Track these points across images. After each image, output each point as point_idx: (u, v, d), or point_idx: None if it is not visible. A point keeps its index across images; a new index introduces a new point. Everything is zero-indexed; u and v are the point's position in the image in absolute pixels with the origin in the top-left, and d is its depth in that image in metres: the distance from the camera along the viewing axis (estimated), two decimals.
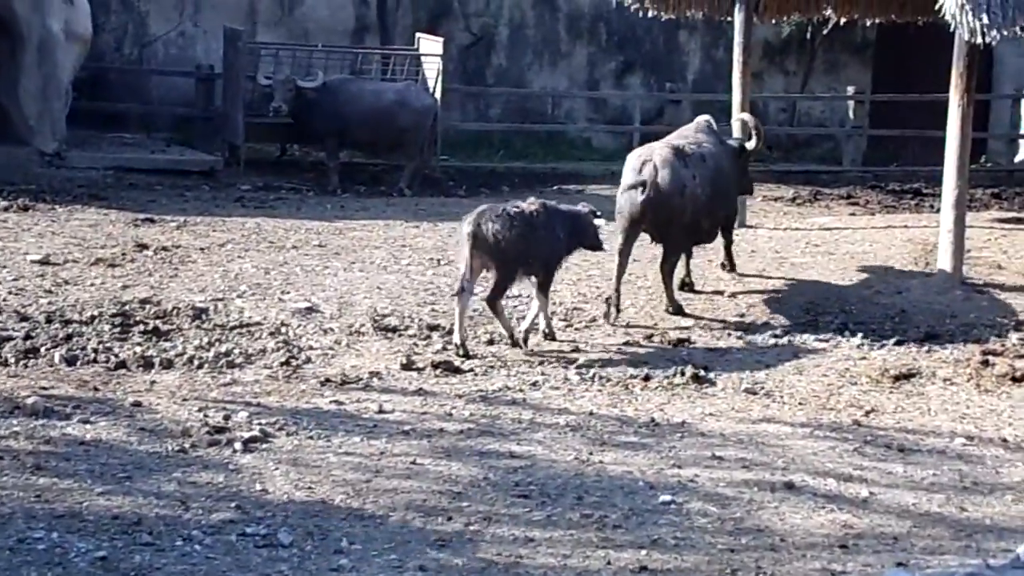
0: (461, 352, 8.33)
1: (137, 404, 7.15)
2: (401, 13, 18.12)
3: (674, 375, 8.08)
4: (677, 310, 9.63)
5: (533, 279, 8.58)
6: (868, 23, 15.32)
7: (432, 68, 16.00)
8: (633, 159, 9.94)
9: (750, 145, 10.85)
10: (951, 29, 9.80)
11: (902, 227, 13.43)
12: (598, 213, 9.00)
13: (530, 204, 8.63)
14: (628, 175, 9.84)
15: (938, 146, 11.17)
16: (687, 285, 10.28)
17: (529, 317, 8.74)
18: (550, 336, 8.75)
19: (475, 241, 8.31)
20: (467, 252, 8.37)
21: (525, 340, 8.61)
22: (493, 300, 8.45)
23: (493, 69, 19.10)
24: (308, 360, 8.15)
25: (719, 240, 10.80)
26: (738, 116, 11.39)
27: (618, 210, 9.76)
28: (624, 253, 9.65)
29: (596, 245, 8.96)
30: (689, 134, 10.45)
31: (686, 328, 9.25)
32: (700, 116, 10.99)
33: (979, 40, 9.60)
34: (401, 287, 10.10)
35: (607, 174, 16.73)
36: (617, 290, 9.48)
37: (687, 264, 10.39)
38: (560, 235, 8.59)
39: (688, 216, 9.75)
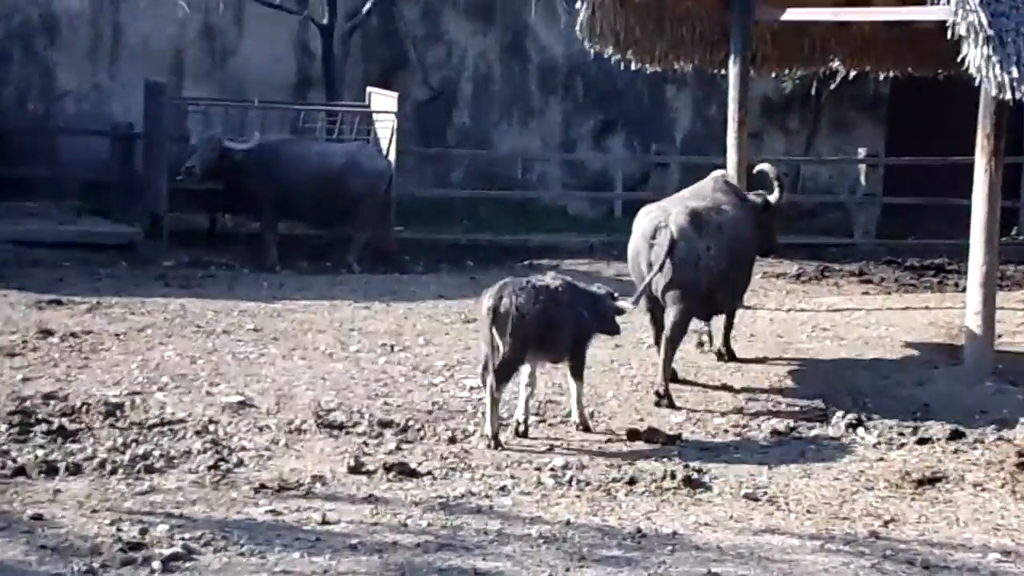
0: (493, 445, 8.55)
1: (38, 517, 7.04)
2: (350, 65, 18.28)
3: (663, 478, 8.06)
4: (665, 397, 9.76)
5: (547, 363, 9.07)
6: (881, 77, 15.60)
7: (385, 127, 16.11)
8: (645, 223, 10.24)
9: (772, 199, 11.07)
10: (976, 83, 9.97)
11: (923, 308, 13.53)
12: (616, 295, 9.29)
13: (554, 280, 8.96)
14: (638, 242, 10.23)
15: (962, 216, 11.31)
16: (723, 355, 10.92)
17: (574, 409, 9.07)
18: (583, 426, 9.02)
19: (495, 316, 8.55)
20: (488, 330, 8.59)
21: (587, 424, 9.02)
22: (500, 381, 8.59)
23: (455, 128, 19.28)
24: (240, 463, 8.08)
25: (714, 324, 10.85)
26: (758, 168, 11.68)
27: (635, 279, 10.36)
28: (657, 323, 10.27)
29: (613, 330, 9.31)
30: (706, 193, 10.73)
31: (677, 424, 9.25)
32: (716, 171, 11.32)
33: (1008, 96, 9.76)
34: (349, 377, 10.07)
35: (585, 247, 16.87)
36: (666, 366, 9.97)
37: (727, 332, 11.00)
38: (584, 315, 8.94)
39: (702, 289, 10.07)
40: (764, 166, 11.60)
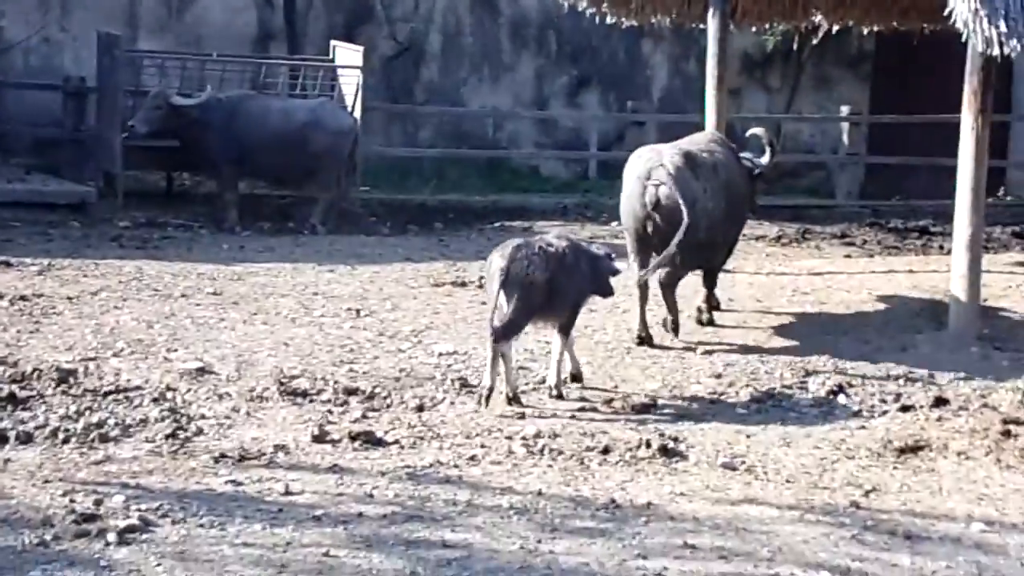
0: (484, 402, 8.70)
1: None
2: (313, 17, 18.18)
3: (638, 447, 8.09)
4: (675, 328, 10.43)
5: (551, 324, 9.15)
6: (865, 31, 15.62)
7: (350, 83, 16.04)
8: (638, 165, 10.45)
9: (763, 161, 11.36)
10: (963, 39, 9.98)
11: (906, 272, 13.59)
12: (613, 256, 9.40)
13: (561, 240, 9.13)
14: (632, 184, 10.41)
15: (948, 176, 11.34)
16: (703, 313, 11.07)
17: (554, 368, 9.15)
18: (557, 392, 9.09)
19: (507, 277, 8.73)
20: (497, 288, 8.77)
21: (560, 391, 9.08)
22: (501, 339, 8.76)
23: (423, 84, 19.20)
24: (199, 432, 8.07)
25: (688, 287, 10.87)
26: (751, 132, 11.93)
27: (624, 226, 10.63)
28: (643, 287, 10.43)
29: (609, 292, 9.49)
30: (700, 141, 11.13)
31: (652, 391, 9.27)
32: (706, 131, 11.72)
33: (996, 51, 9.77)
34: (313, 343, 10.06)
35: (558, 208, 16.87)
36: (643, 324, 10.36)
37: (709, 292, 11.20)
38: (587, 275, 9.17)
39: (701, 233, 10.25)
40: (757, 130, 11.81)
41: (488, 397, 8.75)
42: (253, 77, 16.31)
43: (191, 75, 15.69)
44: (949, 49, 11.50)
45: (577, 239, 9.49)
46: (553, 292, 8.89)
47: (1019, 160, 19.25)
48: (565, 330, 9.15)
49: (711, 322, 11.08)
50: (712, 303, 11.27)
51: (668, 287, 10.44)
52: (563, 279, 8.93)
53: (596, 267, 9.24)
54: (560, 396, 9.08)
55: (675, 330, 10.48)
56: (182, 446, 7.82)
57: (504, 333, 8.78)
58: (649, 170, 10.27)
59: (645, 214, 10.28)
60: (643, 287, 10.40)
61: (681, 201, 10.05)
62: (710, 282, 11.23)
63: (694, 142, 11.05)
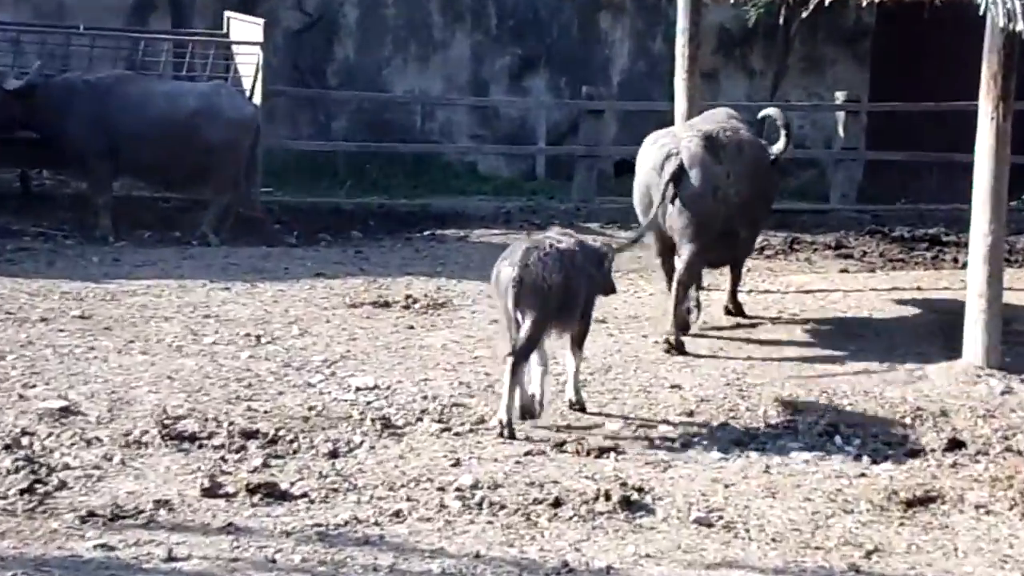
0: (507, 433, 9.02)
1: None
2: None
3: (595, 499, 8.09)
4: (679, 346, 10.92)
5: (564, 333, 9.54)
6: (864, 3, 15.74)
7: (248, 62, 15.99)
8: (653, 152, 11.20)
9: (778, 147, 11.83)
10: (980, 12, 10.07)
11: (914, 289, 13.68)
12: (611, 251, 9.95)
13: (567, 237, 9.59)
14: (647, 175, 11.17)
15: (963, 175, 11.44)
16: (732, 313, 11.98)
17: (570, 381, 9.63)
18: (580, 405, 9.58)
19: (522, 287, 9.10)
20: (512, 302, 9.14)
21: (582, 404, 9.59)
22: (520, 360, 9.15)
23: (337, 65, 19.20)
24: (62, 485, 7.99)
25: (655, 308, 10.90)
26: (764, 112, 12.58)
27: (641, 217, 11.32)
28: (670, 265, 11.26)
29: (612, 288, 9.90)
30: (720, 119, 11.74)
31: (612, 432, 9.27)
32: (719, 108, 12.40)
33: (1020, 27, 9.87)
34: (203, 376, 10.01)
35: (500, 214, 16.89)
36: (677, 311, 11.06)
37: (734, 287, 12.09)
38: (595, 274, 9.61)
39: (720, 223, 11.03)
40: (771, 111, 12.44)
41: (512, 431, 9.03)
42: (129, 55, 16.22)
43: (53, 52, 15.58)
44: (964, 24, 11.59)
45: (578, 235, 9.95)
46: (567, 295, 9.29)
47: None
48: (580, 340, 9.62)
49: (741, 313, 12.05)
50: (736, 305, 12.14)
51: (683, 284, 11.11)
52: (576, 280, 9.35)
53: (601, 265, 9.68)
54: (583, 408, 9.58)
55: (678, 343, 10.95)
56: (41, 503, 7.74)
57: (525, 352, 9.16)
58: (665, 158, 10.99)
59: (663, 208, 11.01)
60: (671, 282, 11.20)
61: (703, 192, 10.92)
62: (734, 279, 12.15)
63: (711, 120, 11.68)
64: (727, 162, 11.10)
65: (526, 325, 9.14)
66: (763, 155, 11.67)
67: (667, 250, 11.38)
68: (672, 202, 10.95)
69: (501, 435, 9.02)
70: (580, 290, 9.42)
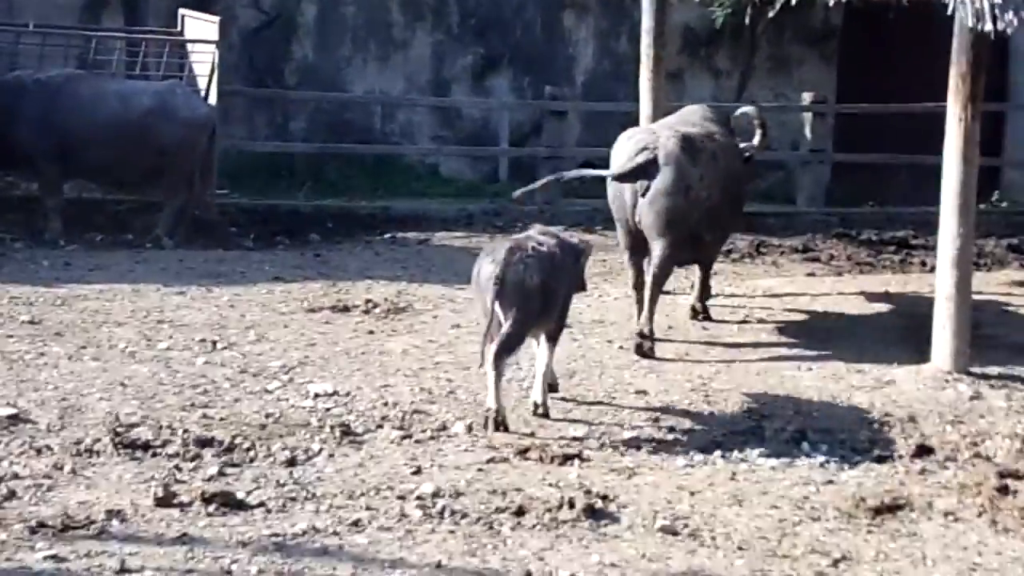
0: (497, 425, 9.25)
1: None
2: None
3: (559, 507, 8.08)
4: (649, 338, 11.16)
5: (540, 330, 9.71)
6: (831, 2, 15.77)
7: (203, 61, 15.94)
8: (629, 145, 11.47)
9: (752, 145, 12.32)
10: (948, 12, 10.11)
11: (882, 293, 13.73)
12: (585, 246, 10.24)
13: (548, 237, 9.87)
14: (620, 166, 11.38)
15: (932, 177, 11.48)
16: (699, 313, 12.30)
17: (538, 384, 9.75)
18: (544, 409, 9.67)
19: (503, 285, 9.31)
20: (492, 300, 9.31)
21: (546, 409, 9.67)
22: (502, 355, 9.33)
23: (295, 64, 19.16)
24: (11, 495, 7.95)
25: (621, 312, 10.90)
26: (741, 111, 12.95)
27: (615, 217, 11.67)
28: (638, 265, 11.62)
29: (584, 286, 10.27)
30: (695, 120, 12.04)
31: (577, 439, 9.28)
32: (695, 105, 12.76)
33: (988, 27, 9.90)
34: (157, 383, 9.97)
35: (462, 216, 16.88)
36: (640, 307, 11.38)
37: (703, 285, 12.38)
38: (573, 272, 9.91)
39: (690, 223, 11.36)
40: (747, 108, 12.87)
41: (500, 420, 9.27)
42: (81, 53, 16.15)
43: (2, 50, 15.51)
44: (932, 24, 11.64)
45: (556, 231, 10.22)
46: (548, 295, 9.52)
47: (1017, 158, 19.53)
48: (555, 336, 9.79)
49: (708, 316, 12.34)
50: (704, 304, 12.41)
51: (657, 282, 11.38)
52: (557, 280, 9.60)
53: (578, 261, 10.00)
54: (546, 415, 9.62)
55: (651, 345, 11.15)
56: None
57: (507, 348, 9.35)
58: (639, 151, 11.26)
59: (633, 201, 11.34)
60: (639, 290, 11.53)
61: (674, 190, 11.20)
62: (704, 278, 12.40)
63: (687, 121, 11.96)
64: (701, 165, 11.36)
65: (508, 323, 9.33)
66: (738, 161, 11.98)
67: (636, 246, 11.57)
68: (642, 195, 11.25)
69: (497, 429, 9.24)
70: (559, 289, 9.65)
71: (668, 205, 11.22)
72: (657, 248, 11.31)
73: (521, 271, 9.37)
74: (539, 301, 9.45)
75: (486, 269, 9.46)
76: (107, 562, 7.12)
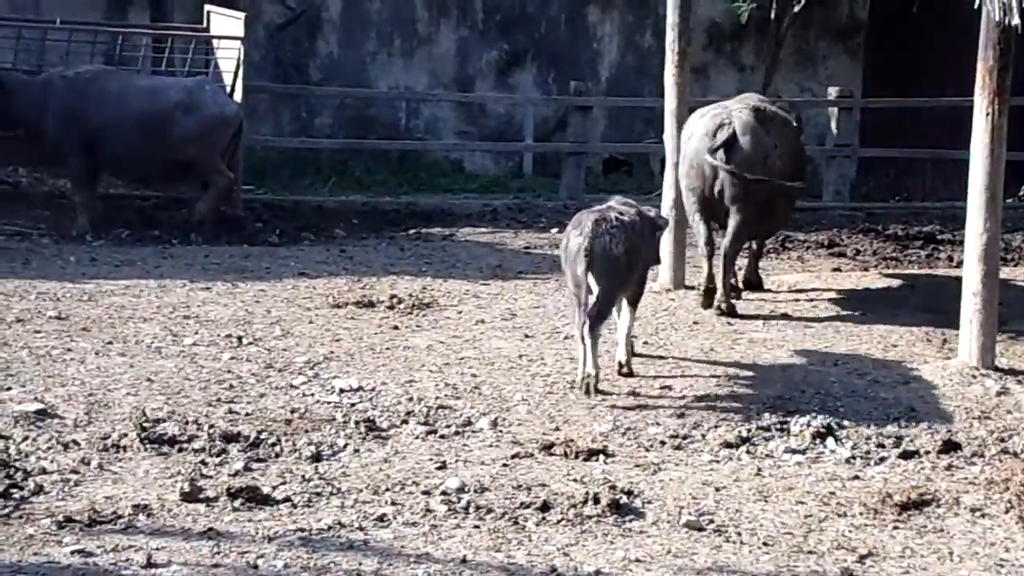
0: (592, 391, 9.83)
1: None
2: None
3: (584, 503, 8.08)
4: (730, 310, 12.01)
5: (624, 297, 10.38)
6: None
7: (229, 58, 15.97)
8: (704, 122, 12.14)
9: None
10: (975, 5, 10.08)
11: (908, 288, 13.70)
12: (663, 219, 11.00)
13: (628, 207, 10.43)
14: (699, 139, 12.08)
15: (958, 172, 11.45)
16: (751, 286, 12.93)
17: (622, 343, 10.45)
18: (628, 369, 10.38)
19: (592, 256, 9.90)
20: (583, 270, 9.88)
21: (630, 368, 10.40)
22: (597, 323, 9.93)
23: (320, 60, 19.19)
24: (39, 490, 7.97)
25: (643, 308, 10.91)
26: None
27: (687, 186, 12.26)
28: (710, 243, 12.21)
29: (659, 258, 11.08)
30: (753, 101, 12.61)
31: (601, 434, 9.28)
32: (747, 92, 13.67)
33: (1016, 20, 9.87)
34: (183, 378, 10.00)
35: (487, 212, 16.89)
36: (710, 276, 12.13)
37: (756, 259, 13.05)
38: (652, 241, 10.61)
39: (766, 193, 11.98)
40: (780, 103, 13.52)
41: (595, 385, 9.84)
42: (107, 50, 16.19)
43: (29, 46, 15.55)
44: (958, 18, 11.60)
45: (635, 203, 10.70)
46: (631, 263, 10.18)
47: None
48: (635, 301, 10.50)
49: (760, 286, 13.02)
50: (757, 277, 13.09)
51: (731, 256, 12.13)
52: (638, 248, 10.26)
53: (656, 232, 10.67)
54: (631, 373, 10.33)
55: (731, 311, 12.02)
56: (17, 508, 7.73)
57: (600, 316, 9.96)
58: (718, 127, 11.93)
59: (714, 174, 11.96)
60: (711, 245, 12.19)
61: (754, 159, 11.91)
62: (760, 245, 13.13)
63: (745, 100, 12.62)
64: (774, 135, 12.11)
65: (598, 292, 9.93)
66: (799, 134, 12.78)
67: (708, 212, 12.22)
68: (725, 169, 11.90)
69: (587, 392, 9.80)
70: (641, 257, 10.31)
71: (750, 174, 11.88)
72: (736, 217, 12.02)
73: (607, 241, 9.96)
74: (624, 269, 10.08)
75: (574, 242, 10.01)
76: (134, 556, 7.15)
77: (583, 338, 9.91)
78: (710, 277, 12.16)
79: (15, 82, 14.50)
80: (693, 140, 12.18)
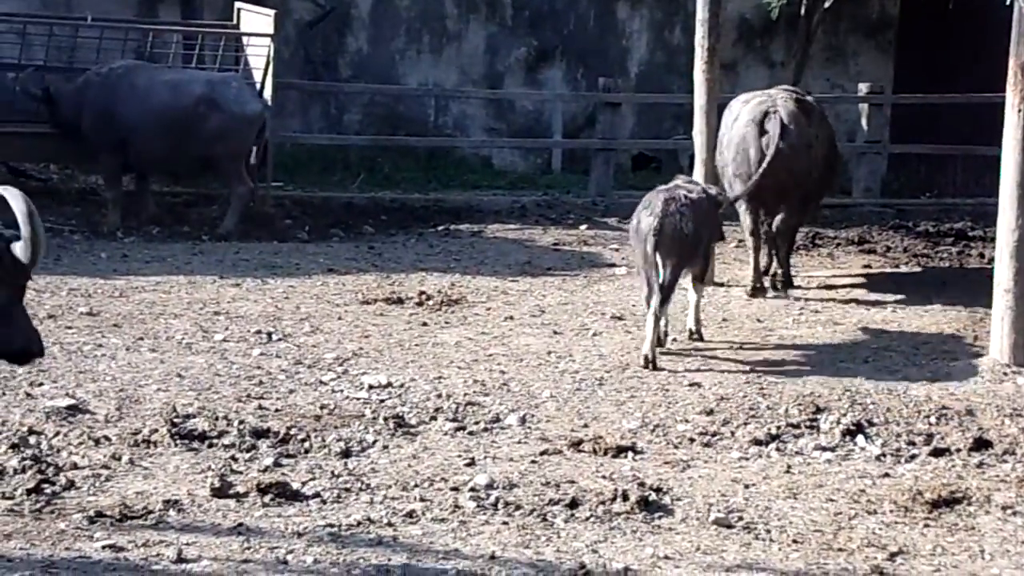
0: (651, 366, 10.37)
1: None
2: None
3: (613, 500, 8.08)
4: (787, 283, 12.78)
5: (690, 272, 11.00)
6: None
7: (259, 54, 16.00)
8: (749, 108, 12.53)
9: None
10: (1007, 1, 10.05)
11: (938, 285, 13.66)
12: (725, 197, 11.60)
13: (693, 185, 11.09)
14: (745, 125, 12.45)
15: (989, 168, 11.42)
16: (782, 283, 13.02)
17: (691, 312, 11.19)
18: (699, 334, 11.17)
19: (662, 235, 10.44)
20: (652, 249, 10.45)
21: (700, 335, 11.20)
22: (666, 299, 10.55)
23: (349, 57, 19.21)
24: (70, 485, 8.00)
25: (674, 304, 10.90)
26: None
27: (733, 172, 12.60)
28: (756, 233, 12.66)
29: (722, 234, 11.48)
30: (786, 93, 13.00)
31: (630, 431, 9.28)
32: (780, 86, 13.88)
33: None
34: (213, 374, 10.04)
35: (515, 208, 16.89)
36: (755, 254, 12.67)
37: (787, 255, 13.10)
38: (716, 219, 11.15)
39: (810, 180, 12.56)
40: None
41: (655, 364, 10.37)
42: (138, 47, 16.23)
43: (60, 44, 15.60)
44: (990, 13, 11.56)
45: (698, 183, 11.49)
46: (698, 240, 10.71)
47: None
48: (702, 276, 11.18)
49: (791, 284, 13.10)
50: (787, 268, 13.20)
51: (792, 233, 12.85)
52: (704, 225, 10.80)
53: (717, 209, 11.19)
54: (701, 338, 11.13)
55: (787, 283, 12.76)
56: (48, 503, 7.76)
57: (668, 295, 10.55)
58: (765, 113, 12.30)
59: (760, 158, 12.22)
60: (757, 235, 12.62)
61: (799, 147, 12.33)
62: (791, 239, 13.27)
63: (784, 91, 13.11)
64: (815, 126, 12.61)
65: (667, 270, 10.50)
66: (832, 128, 13.32)
67: (757, 199, 12.50)
68: (769, 153, 12.19)
69: (646, 367, 10.33)
70: (706, 234, 10.87)
71: (796, 163, 12.31)
72: (786, 204, 12.54)
73: (677, 220, 10.50)
74: (691, 246, 10.62)
75: (645, 222, 10.56)
76: (164, 552, 7.17)
77: (651, 313, 10.43)
78: (757, 273, 12.68)
79: (60, 91, 14.60)
80: (739, 125, 12.55)
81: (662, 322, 10.76)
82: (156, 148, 14.71)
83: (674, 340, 11.24)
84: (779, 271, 13.05)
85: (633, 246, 10.94)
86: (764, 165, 12.16)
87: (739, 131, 12.49)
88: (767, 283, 13.04)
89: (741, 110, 12.61)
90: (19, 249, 7.04)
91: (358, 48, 19.15)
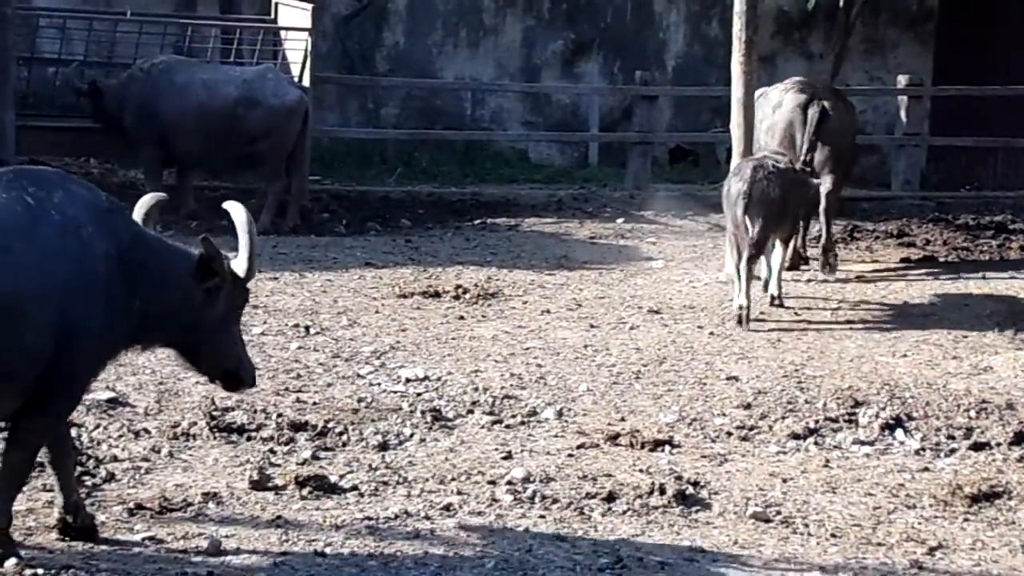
0: (744, 320, 11.31)
1: None
2: None
3: (650, 493, 8.08)
4: (832, 252, 13.62)
5: (777, 236, 11.98)
6: None
7: (297, 48, 16.04)
8: (791, 95, 13.45)
9: None
10: None
11: (979, 278, 13.61)
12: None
13: (782, 156, 12.11)
14: (789, 111, 13.35)
15: None
16: (802, 260, 13.77)
17: (774, 278, 12.09)
18: (780, 300, 12.08)
19: (751, 199, 11.41)
20: (741, 212, 11.43)
21: (781, 300, 12.10)
22: (754, 258, 11.50)
23: (386, 51, 19.24)
24: (110, 477, 8.04)
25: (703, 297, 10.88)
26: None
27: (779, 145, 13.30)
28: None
29: (810, 203, 12.79)
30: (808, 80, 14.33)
31: (667, 424, 9.28)
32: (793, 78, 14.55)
33: None
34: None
35: (551, 201, 16.88)
36: (796, 253, 13.45)
37: (803, 237, 13.82)
38: (804, 189, 12.15)
39: (847, 157, 13.68)
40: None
41: (747, 316, 11.27)
42: (176, 42, 16.29)
43: (100, 38, 15.67)
44: None
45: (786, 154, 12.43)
46: (784, 204, 11.64)
47: None
48: (787, 240, 12.19)
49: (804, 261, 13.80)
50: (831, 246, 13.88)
51: (834, 207, 13.59)
52: (790, 191, 11.72)
53: (807, 181, 12.16)
54: (781, 304, 12.00)
55: (834, 264, 13.51)
56: (89, 495, 7.79)
57: (756, 253, 11.46)
58: (809, 98, 13.27)
59: (802, 142, 13.09)
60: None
61: (839, 131, 13.34)
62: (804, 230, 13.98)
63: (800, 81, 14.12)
64: (849, 113, 13.81)
65: (755, 230, 11.37)
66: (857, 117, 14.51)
67: None
68: (818, 137, 13.18)
69: (739, 322, 11.28)
70: (792, 200, 11.78)
71: (836, 144, 13.31)
72: (828, 180, 13.36)
73: (765, 185, 11.45)
74: (778, 211, 11.51)
75: (735, 187, 11.52)
76: (203, 544, 7.19)
77: (739, 273, 11.33)
78: (796, 253, 13.35)
79: (107, 87, 14.67)
80: (783, 110, 13.42)
81: (778, 271, 11.95)
82: (198, 147, 14.74)
83: (710, 333, 11.22)
84: (827, 252, 13.67)
85: (724, 211, 11.93)
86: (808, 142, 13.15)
87: (784, 116, 13.41)
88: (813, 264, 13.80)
89: (782, 96, 13.54)
90: (237, 264, 7.03)
91: (395, 42, 19.18)
